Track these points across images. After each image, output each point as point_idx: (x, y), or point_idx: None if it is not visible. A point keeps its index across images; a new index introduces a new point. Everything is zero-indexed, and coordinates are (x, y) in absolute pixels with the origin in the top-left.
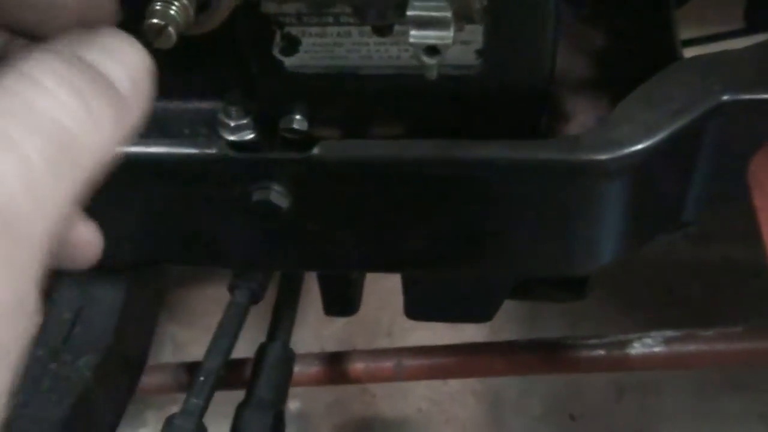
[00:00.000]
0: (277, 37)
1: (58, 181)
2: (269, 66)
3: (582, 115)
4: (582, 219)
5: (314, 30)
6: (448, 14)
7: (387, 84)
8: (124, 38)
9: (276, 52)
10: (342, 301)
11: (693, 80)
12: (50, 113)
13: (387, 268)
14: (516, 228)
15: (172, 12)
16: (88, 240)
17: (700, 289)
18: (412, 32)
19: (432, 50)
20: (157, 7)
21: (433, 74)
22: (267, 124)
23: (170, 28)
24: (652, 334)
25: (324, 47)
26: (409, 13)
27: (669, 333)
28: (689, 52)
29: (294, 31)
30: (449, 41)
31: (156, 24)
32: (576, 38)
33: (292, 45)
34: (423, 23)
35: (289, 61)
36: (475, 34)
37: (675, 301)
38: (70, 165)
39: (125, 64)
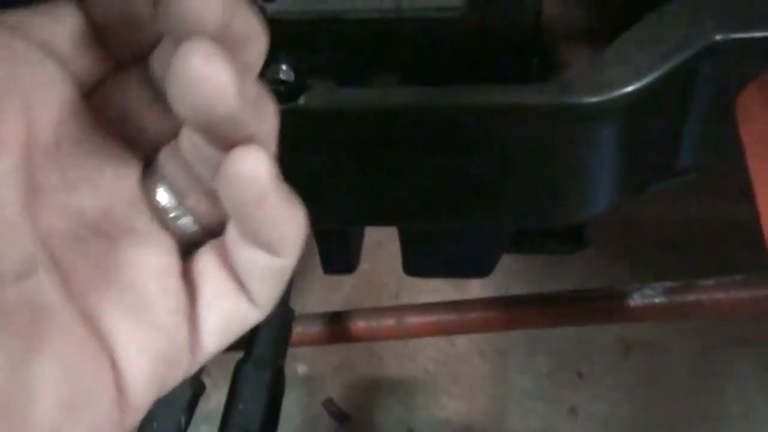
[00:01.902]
0: None
1: None
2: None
3: (579, 64)
4: (573, 165)
5: None
6: None
7: (371, 30)
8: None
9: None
10: (340, 258)
11: (684, 20)
12: None
13: (379, 221)
14: (506, 176)
15: None
16: None
17: (705, 245)
18: None
19: None
20: None
21: None
22: None
23: None
24: (652, 285)
25: None
26: None
27: (669, 284)
28: None
29: None
30: None
31: None
32: None
33: None
34: None
35: (271, 7)
36: None
37: (685, 258)
38: None
39: None
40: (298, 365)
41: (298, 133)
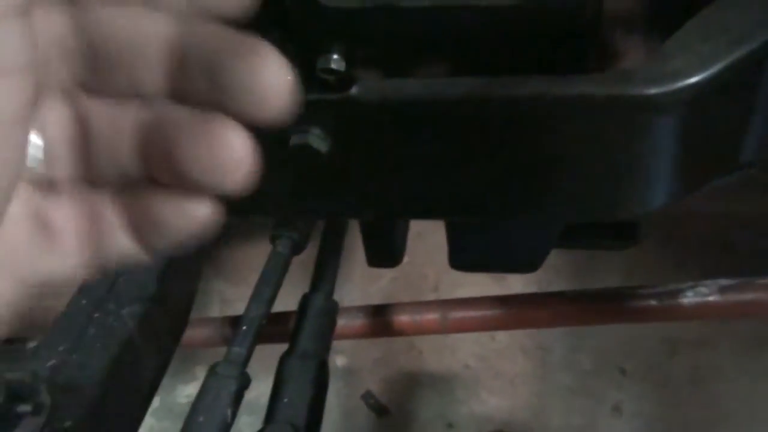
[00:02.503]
0: None
1: None
2: (303, 1)
3: (633, 54)
4: (633, 158)
5: None
6: None
7: (426, 18)
8: None
9: None
10: (385, 251)
11: (752, 8)
12: None
13: (430, 214)
14: (562, 169)
15: None
16: None
17: (757, 241)
18: None
19: None
20: None
21: None
22: (305, 65)
23: None
24: (706, 282)
25: None
26: None
27: (723, 281)
28: None
29: None
30: None
31: None
32: None
33: None
34: None
35: None
36: None
37: (731, 254)
38: None
39: None
40: (338, 357)
41: (349, 124)
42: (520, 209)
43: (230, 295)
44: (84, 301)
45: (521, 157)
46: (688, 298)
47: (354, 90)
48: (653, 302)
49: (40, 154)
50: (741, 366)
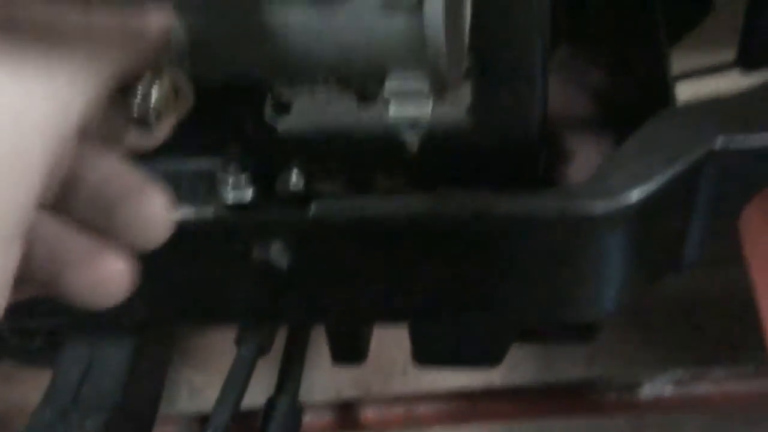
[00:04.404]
0: (269, 101)
1: None
2: (262, 128)
3: (583, 153)
4: (581, 268)
5: (304, 92)
6: (425, 87)
7: (377, 140)
8: None
9: (268, 116)
10: (349, 350)
11: (685, 128)
12: None
13: (389, 319)
14: (515, 278)
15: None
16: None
17: (720, 318)
18: (392, 108)
19: (412, 125)
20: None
21: (413, 148)
22: (266, 180)
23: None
24: (662, 377)
25: (314, 109)
26: (388, 84)
27: (679, 373)
28: (683, 86)
29: (285, 94)
30: (428, 115)
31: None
32: (573, 75)
33: (283, 108)
34: (401, 96)
35: (281, 124)
36: (464, 90)
37: (695, 333)
38: None
39: None
40: None
41: (309, 239)
42: (476, 315)
43: (199, 382)
44: (48, 413)
45: (477, 267)
46: (645, 391)
47: (312, 209)
48: (612, 396)
49: None
50: None
